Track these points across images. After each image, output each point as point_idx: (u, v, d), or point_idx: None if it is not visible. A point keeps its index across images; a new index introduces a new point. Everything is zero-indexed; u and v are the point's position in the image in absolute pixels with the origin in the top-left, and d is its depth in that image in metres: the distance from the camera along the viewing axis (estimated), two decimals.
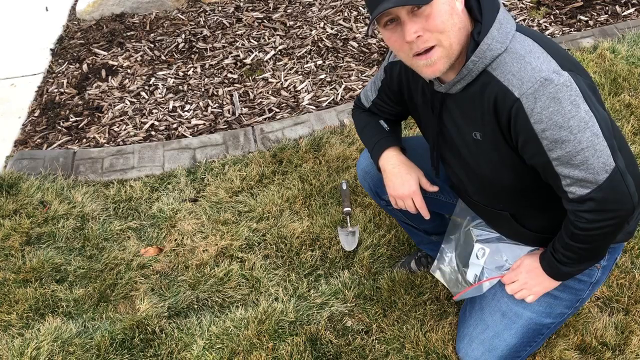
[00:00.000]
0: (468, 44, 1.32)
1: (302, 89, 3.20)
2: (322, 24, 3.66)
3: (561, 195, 1.35)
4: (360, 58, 3.37)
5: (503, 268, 1.67)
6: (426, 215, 1.66)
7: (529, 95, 1.25)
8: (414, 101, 1.58)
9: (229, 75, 3.35)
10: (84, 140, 2.99)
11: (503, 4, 3.68)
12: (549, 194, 1.46)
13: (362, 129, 1.77)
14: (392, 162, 1.66)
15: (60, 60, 3.60)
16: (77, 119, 3.13)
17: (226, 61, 3.45)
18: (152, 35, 3.73)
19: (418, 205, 1.65)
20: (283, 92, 3.19)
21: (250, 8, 3.90)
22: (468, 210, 1.78)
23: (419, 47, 1.28)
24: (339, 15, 3.73)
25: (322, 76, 3.26)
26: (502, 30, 1.29)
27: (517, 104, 1.26)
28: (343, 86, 3.17)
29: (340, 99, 3.10)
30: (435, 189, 1.67)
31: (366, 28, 3.61)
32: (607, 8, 3.60)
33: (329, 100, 3.10)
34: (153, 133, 3.01)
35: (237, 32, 3.68)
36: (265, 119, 3.02)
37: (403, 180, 1.64)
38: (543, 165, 1.32)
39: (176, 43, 3.63)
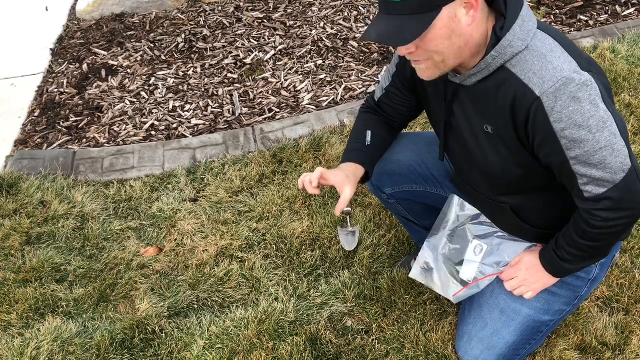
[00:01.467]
0: (489, 38, 1.31)
1: (302, 88, 3.20)
2: (322, 24, 3.67)
3: (575, 194, 1.36)
4: (361, 58, 3.37)
5: (501, 264, 1.67)
6: (310, 190, 1.55)
7: (549, 95, 1.25)
8: (426, 89, 1.57)
9: (229, 75, 3.35)
10: (84, 140, 2.99)
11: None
12: (553, 191, 1.46)
13: (352, 130, 1.78)
14: (348, 172, 1.63)
15: (60, 60, 3.60)
16: (77, 119, 3.13)
17: (226, 61, 3.45)
18: (152, 35, 3.73)
19: (308, 178, 1.56)
20: (283, 92, 3.19)
21: (250, 8, 3.91)
22: (462, 205, 1.77)
23: (411, 59, 1.33)
24: (339, 15, 3.73)
25: (322, 76, 3.27)
26: (524, 28, 1.29)
27: (538, 102, 1.26)
28: (343, 86, 3.17)
29: (341, 99, 3.10)
30: (337, 213, 1.57)
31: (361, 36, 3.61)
32: (607, 8, 3.60)
33: (329, 100, 3.10)
34: (153, 133, 3.01)
35: (237, 32, 3.68)
36: (265, 118, 3.02)
37: (337, 175, 1.60)
38: (560, 164, 1.32)
39: (176, 43, 3.63)
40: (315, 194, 1.61)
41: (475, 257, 1.70)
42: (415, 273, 1.85)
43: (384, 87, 1.71)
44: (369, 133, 1.71)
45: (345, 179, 1.60)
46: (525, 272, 1.59)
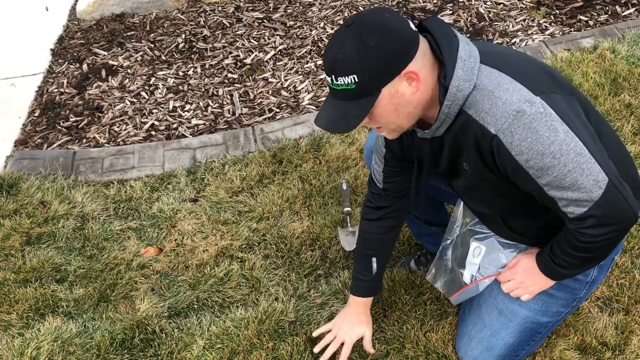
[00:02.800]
0: (438, 89, 1.31)
1: (302, 89, 3.20)
2: (322, 24, 3.67)
3: (561, 215, 1.35)
4: None
5: (499, 266, 1.67)
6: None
7: (505, 130, 1.25)
8: (411, 151, 1.58)
9: (229, 75, 3.35)
10: (84, 140, 2.99)
11: (496, 3, 3.68)
12: (538, 209, 1.46)
13: (357, 253, 1.85)
14: (360, 309, 1.82)
15: (60, 60, 3.60)
16: (77, 119, 3.13)
17: (226, 61, 3.45)
18: (152, 35, 3.73)
19: (342, 353, 1.78)
20: (283, 92, 3.19)
21: (250, 8, 3.91)
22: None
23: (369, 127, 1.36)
24: (339, 15, 3.73)
25: (322, 76, 3.26)
26: (466, 68, 1.27)
27: (496, 139, 1.27)
28: None
29: None
30: (372, 351, 1.82)
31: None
32: (607, 8, 3.60)
33: None
34: (153, 133, 3.01)
35: (237, 32, 3.68)
36: (265, 119, 3.02)
37: (354, 326, 1.80)
38: (536, 191, 1.33)
39: (176, 43, 3.63)
40: (372, 351, 1.83)
41: (474, 259, 1.71)
42: (430, 277, 1.87)
43: (381, 169, 1.70)
44: (374, 261, 1.78)
45: (359, 326, 1.80)
46: (522, 274, 1.59)
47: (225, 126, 3.00)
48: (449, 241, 1.82)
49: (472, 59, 1.28)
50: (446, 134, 1.38)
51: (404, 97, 1.28)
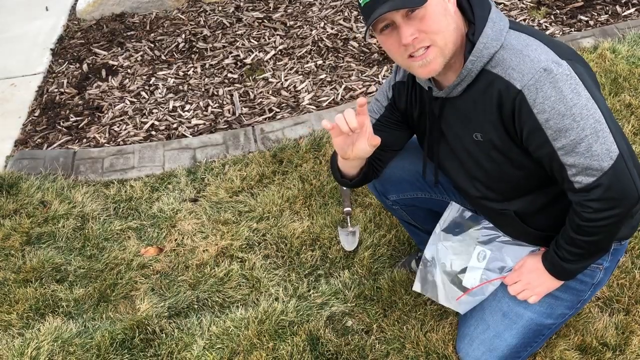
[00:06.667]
0: (464, 46, 1.35)
1: (302, 88, 3.20)
2: (322, 24, 3.66)
3: (567, 186, 1.36)
4: (361, 58, 3.37)
5: (505, 269, 1.67)
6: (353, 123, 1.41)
7: (530, 87, 1.27)
8: (413, 115, 1.59)
9: (229, 75, 3.35)
10: (84, 140, 2.99)
11: (496, 3, 3.67)
12: (553, 192, 1.46)
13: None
14: None
15: (60, 60, 3.60)
16: (77, 118, 3.13)
17: (226, 61, 3.45)
18: (152, 35, 3.73)
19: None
20: (283, 92, 3.19)
21: (251, 8, 3.90)
22: (461, 213, 1.78)
23: (415, 47, 1.31)
24: (339, 15, 3.73)
25: (323, 76, 3.26)
26: (495, 28, 1.32)
27: (520, 95, 1.28)
28: (343, 86, 3.17)
29: (341, 99, 3.10)
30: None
31: (363, 34, 3.61)
32: (607, 8, 3.59)
33: (329, 100, 3.10)
34: (153, 133, 3.01)
35: (237, 32, 3.68)
36: (265, 118, 3.02)
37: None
38: (548, 156, 1.33)
39: (176, 43, 3.63)
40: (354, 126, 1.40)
41: (479, 264, 1.70)
42: (418, 286, 1.85)
43: (375, 119, 1.66)
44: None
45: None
46: (528, 275, 1.59)
47: (226, 126, 3.00)
48: (434, 246, 1.80)
49: (502, 23, 1.33)
50: (462, 96, 1.39)
51: (448, 8, 1.30)
